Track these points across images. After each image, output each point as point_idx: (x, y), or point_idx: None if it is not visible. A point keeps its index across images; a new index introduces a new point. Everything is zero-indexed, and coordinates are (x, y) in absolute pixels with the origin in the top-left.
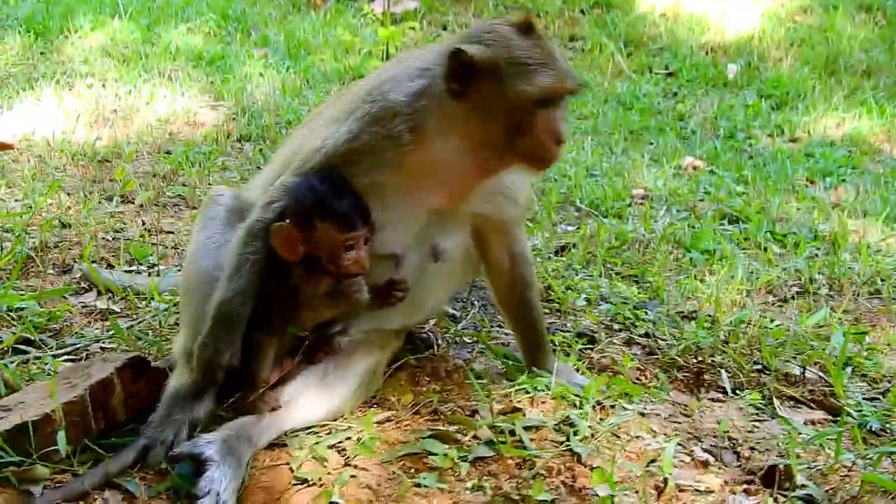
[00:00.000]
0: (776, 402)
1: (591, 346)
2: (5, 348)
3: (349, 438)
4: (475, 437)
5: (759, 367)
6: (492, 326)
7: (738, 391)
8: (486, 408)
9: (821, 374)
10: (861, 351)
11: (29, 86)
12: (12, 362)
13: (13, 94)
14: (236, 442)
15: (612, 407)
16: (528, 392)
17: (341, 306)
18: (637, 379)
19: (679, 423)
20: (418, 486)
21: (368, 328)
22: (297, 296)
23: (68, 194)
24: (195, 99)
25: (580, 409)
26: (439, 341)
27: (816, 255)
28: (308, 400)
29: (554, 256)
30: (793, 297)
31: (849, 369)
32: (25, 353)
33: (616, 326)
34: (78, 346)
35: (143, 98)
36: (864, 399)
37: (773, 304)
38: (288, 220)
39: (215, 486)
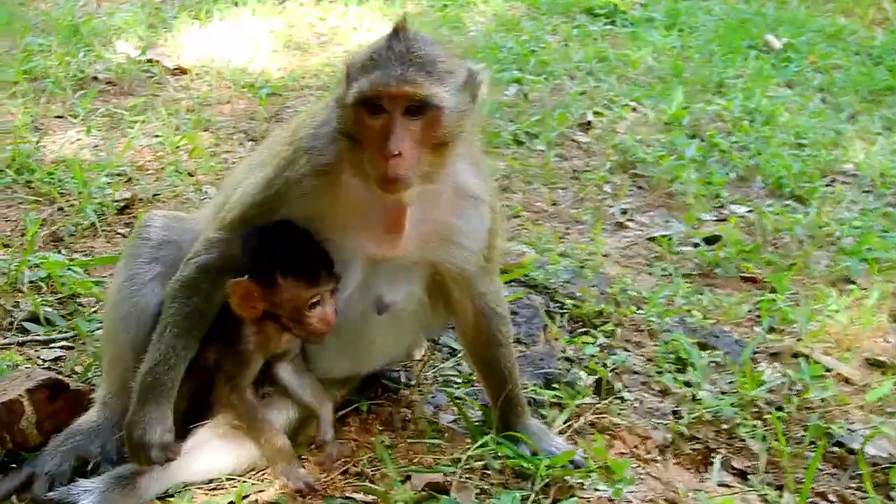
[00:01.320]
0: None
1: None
2: (11, 324)
3: (246, 498)
4: None
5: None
6: None
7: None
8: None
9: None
10: None
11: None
12: (6, 346)
13: (210, 11)
14: (118, 492)
15: (571, 487)
16: (476, 460)
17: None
18: (634, 448)
19: None
20: None
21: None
22: (243, 355)
23: (209, 131)
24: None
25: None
26: (411, 382)
27: None
28: (213, 449)
29: (693, 248)
30: None
31: None
32: (27, 332)
33: (655, 371)
34: (74, 335)
35: (350, 22)
36: None
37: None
38: (246, 276)
39: None
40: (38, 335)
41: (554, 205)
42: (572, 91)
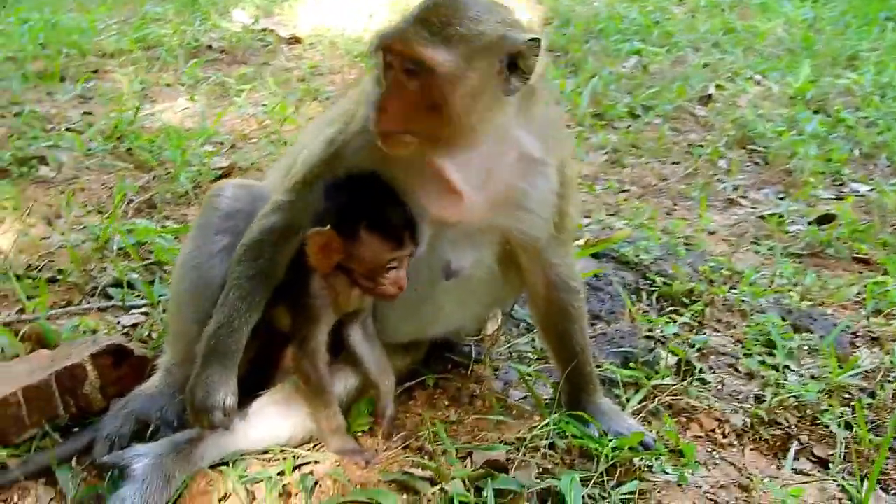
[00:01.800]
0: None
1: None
2: (94, 289)
3: (299, 469)
4: (442, 489)
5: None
6: None
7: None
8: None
9: None
10: None
11: None
12: (87, 311)
13: None
14: (171, 459)
15: (638, 470)
16: (542, 439)
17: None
18: (710, 431)
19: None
20: None
21: None
22: (312, 309)
23: (318, 101)
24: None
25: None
26: (481, 357)
27: None
28: (270, 418)
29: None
30: None
31: None
32: (110, 298)
33: (743, 353)
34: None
35: None
36: None
37: None
38: (329, 227)
39: None
40: (119, 302)
41: (664, 180)
42: (695, 63)
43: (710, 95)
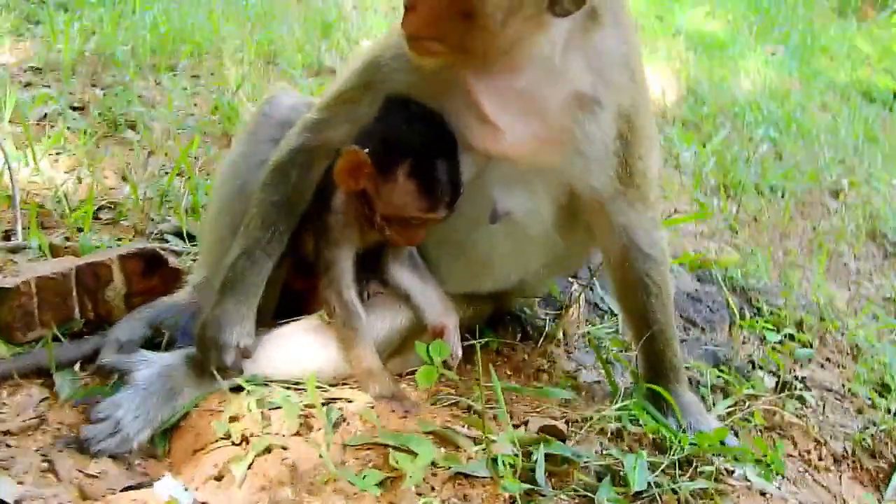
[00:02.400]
0: None
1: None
2: (151, 233)
3: (328, 405)
4: (484, 450)
5: None
6: None
7: None
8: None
9: None
10: None
11: None
12: None
13: None
14: (181, 373)
15: (715, 471)
16: (611, 421)
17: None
18: (805, 452)
19: None
20: (351, 484)
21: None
22: (333, 230)
23: None
24: (655, 71)
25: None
26: (557, 334)
27: None
28: (299, 345)
29: None
30: None
31: None
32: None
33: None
34: None
35: None
36: None
37: None
38: (366, 149)
39: (118, 414)
40: (176, 247)
41: (784, 253)
42: (829, 156)
43: (842, 190)
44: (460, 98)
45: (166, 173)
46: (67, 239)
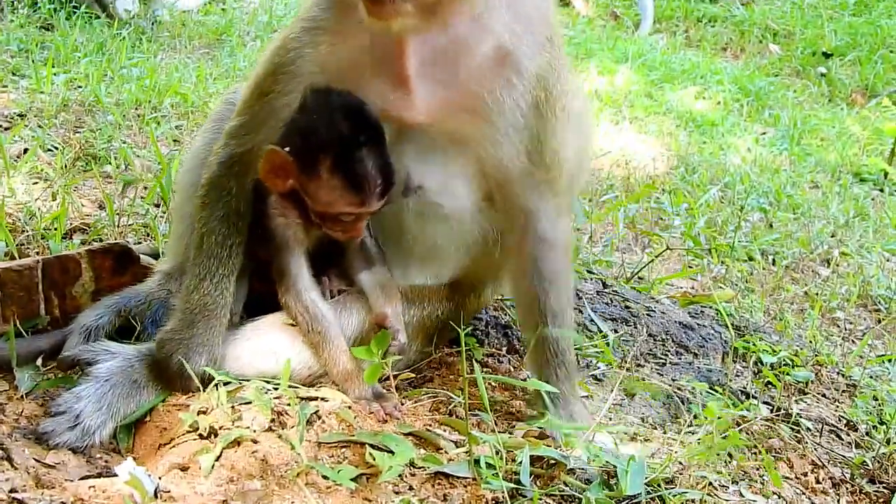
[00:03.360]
0: None
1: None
2: None
3: (303, 401)
4: (466, 451)
5: None
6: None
7: None
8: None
9: None
10: None
11: None
12: None
13: None
14: (146, 365)
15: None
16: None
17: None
18: (802, 475)
19: None
20: (325, 478)
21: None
22: (276, 235)
23: None
24: (645, 144)
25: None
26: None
27: None
28: (270, 341)
29: None
30: None
31: None
32: None
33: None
34: None
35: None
36: None
37: None
38: (287, 148)
39: (78, 406)
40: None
41: (773, 318)
42: (820, 227)
43: (833, 259)
44: (378, 65)
45: (142, 198)
46: (39, 254)
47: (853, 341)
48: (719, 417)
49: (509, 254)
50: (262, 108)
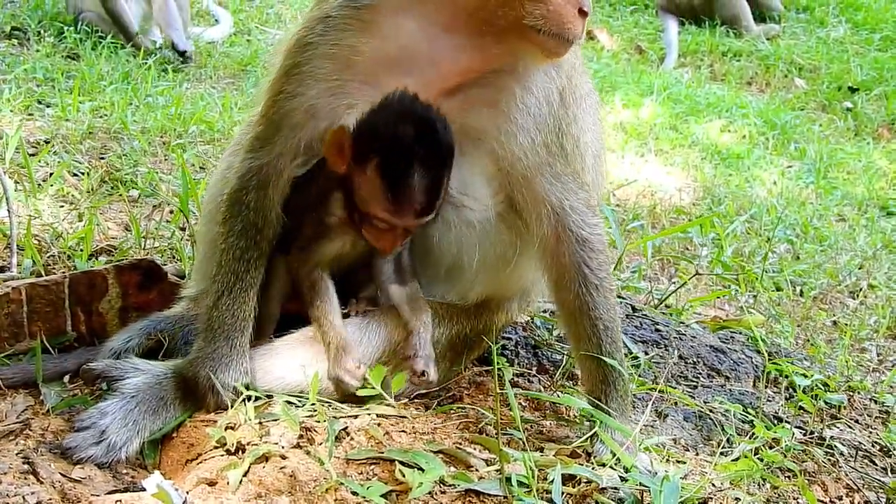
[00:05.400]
0: None
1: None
2: None
3: (331, 418)
4: (497, 470)
5: None
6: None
7: None
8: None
9: None
10: None
11: None
12: None
13: None
14: (173, 383)
15: None
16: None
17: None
18: (837, 499)
19: None
20: (354, 494)
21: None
22: (325, 227)
23: None
24: (671, 175)
25: None
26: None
27: None
28: (294, 358)
29: None
30: None
31: None
32: None
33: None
34: None
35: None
36: None
37: None
38: (352, 129)
39: (103, 422)
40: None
41: (802, 345)
42: (848, 259)
43: (861, 290)
44: (391, 67)
45: (168, 220)
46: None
47: (883, 371)
48: (753, 437)
49: (547, 261)
50: (276, 112)
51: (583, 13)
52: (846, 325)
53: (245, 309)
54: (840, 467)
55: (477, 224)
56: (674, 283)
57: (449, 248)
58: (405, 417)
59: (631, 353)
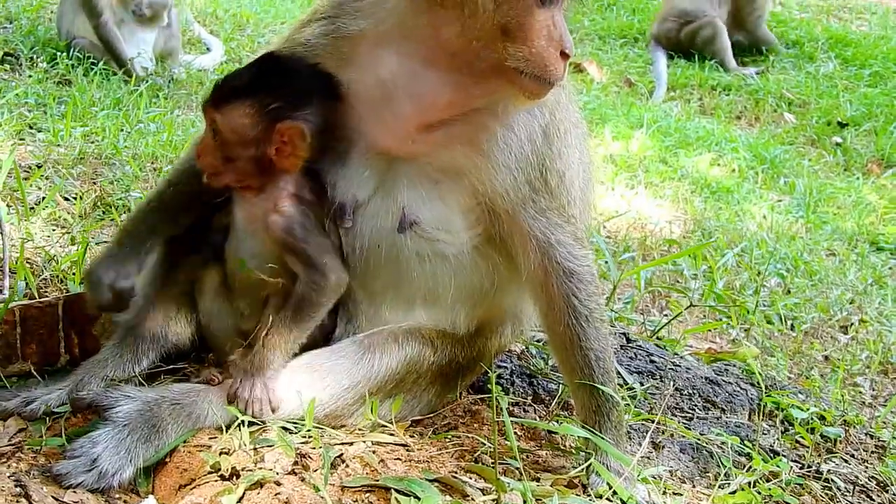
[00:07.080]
0: None
1: None
2: None
3: (326, 445)
4: (494, 500)
5: None
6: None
7: None
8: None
9: None
10: None
11: None
12: None
13: None
14: (166, 409)
15: None
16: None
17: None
18: None
19: None
20: None
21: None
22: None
23: None
24: (661, 208)
25: None
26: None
27: None
28: (286, 383)
29: None
30: None
31: None
32: None
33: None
34: None
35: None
36: None
37: None
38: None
39: (95, 451)
40: None
41: (796, 379)
42: (839, 294)
43: (852, 324)
44: (373, 97)
45: None
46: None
47: (877, 406)
48: (750, 469)
49: (536, 293)
50: None
51: (564, 55)
52: (838, 359)
53: (148, 226)
54: (838, 501)
55: (452, 257)
56: (665, 315)
57: (424, 280)
58: (401, 445)
59: (626, 383)
